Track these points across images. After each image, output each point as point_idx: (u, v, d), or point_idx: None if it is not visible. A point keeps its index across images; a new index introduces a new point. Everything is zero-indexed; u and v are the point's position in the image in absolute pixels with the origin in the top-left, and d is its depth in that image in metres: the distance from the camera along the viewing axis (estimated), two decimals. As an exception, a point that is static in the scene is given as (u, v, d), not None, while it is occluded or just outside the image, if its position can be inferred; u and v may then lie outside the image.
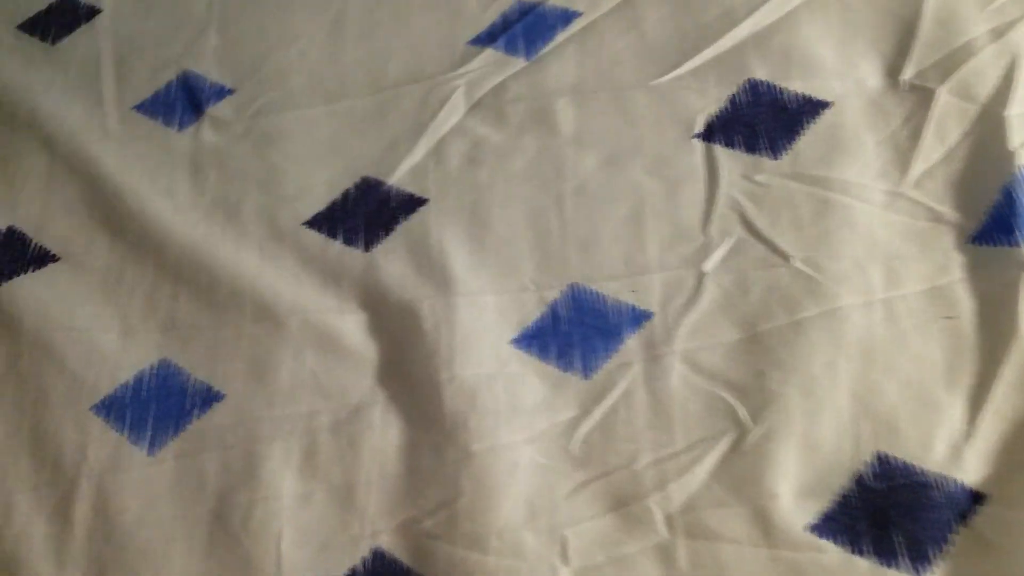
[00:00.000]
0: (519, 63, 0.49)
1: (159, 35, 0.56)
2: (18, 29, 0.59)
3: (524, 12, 0.51)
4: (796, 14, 0.46)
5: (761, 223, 0.39)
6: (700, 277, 0.38)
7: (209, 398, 0.40)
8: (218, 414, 0.39)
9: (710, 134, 0.43)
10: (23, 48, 0.57)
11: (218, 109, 0.50)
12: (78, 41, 0.57)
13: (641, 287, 0.39)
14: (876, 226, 0.38)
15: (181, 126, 0.50)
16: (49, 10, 0.59)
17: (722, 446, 0.34)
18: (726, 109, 0.44)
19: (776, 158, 0.41)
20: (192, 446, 0.38)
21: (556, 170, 0.44)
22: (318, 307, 0.42)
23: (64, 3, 0.59)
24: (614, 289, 0.39)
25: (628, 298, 0.39)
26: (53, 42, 0.57)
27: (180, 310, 0.43)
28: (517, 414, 0.36)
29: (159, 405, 0.40)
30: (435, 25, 0.52)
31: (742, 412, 0.34)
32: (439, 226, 0.43)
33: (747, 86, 0.44)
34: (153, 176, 0.48)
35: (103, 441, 0.39)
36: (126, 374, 0.41)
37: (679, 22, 0.48)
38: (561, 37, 0.49)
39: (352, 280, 0.42)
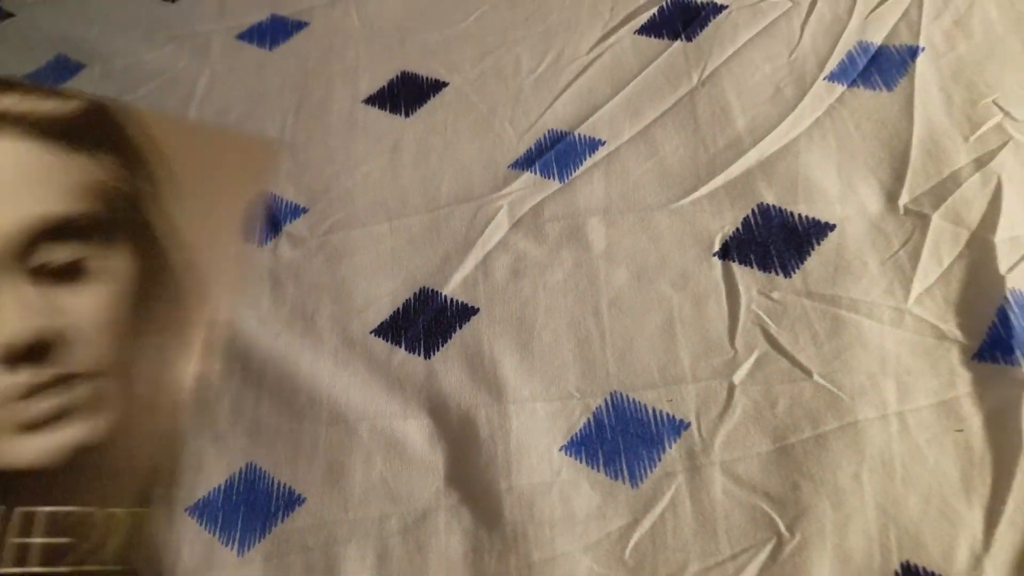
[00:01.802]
0: (554, 185, 0.47)
1: (240, 158, 0.54)
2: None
3: (555, 140, 0.49)
4: (797, 143, 0.45)
5: (783, 339, 0.37)
6: (731, 389, 0.36)
7: (292, 501, 0.37)
8: (300, 517, 0.37)
9: (726, 252, 0.41)
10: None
11: (294, 227, 0.49)
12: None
13: (677, 397, 0.37)
14: (886, 342, 0.36)
15: (261, 243, 0.49)
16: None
17: (763, 556, 0.31)
18: (739, 230, 0.42)
19: (788, 276, 0.39)
20: (278, 548, 0.36)
21: (591, 283, 0.42)
22: (385, 412, 0.39)
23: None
24: (652, 398, 0.37)
25: (666, 407, 0.36)
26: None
27: (264, 416, 0.40)
28: (573, 523, 0.33)
29: (247, 508, 0.37)
30: (479, 151, 0.50)
31: (780, 523, 0.32)
32: (490, 335, 0.41)
33: (758, 209, 0.42)
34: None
35: (196, 542, 0.37)
36: (218, 478, 0.39)
37: (692, 150, 0.46)
38: (589, 163, 0.48)
39: (415, 387, 0.40)
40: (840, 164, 0.43)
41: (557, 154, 0.48)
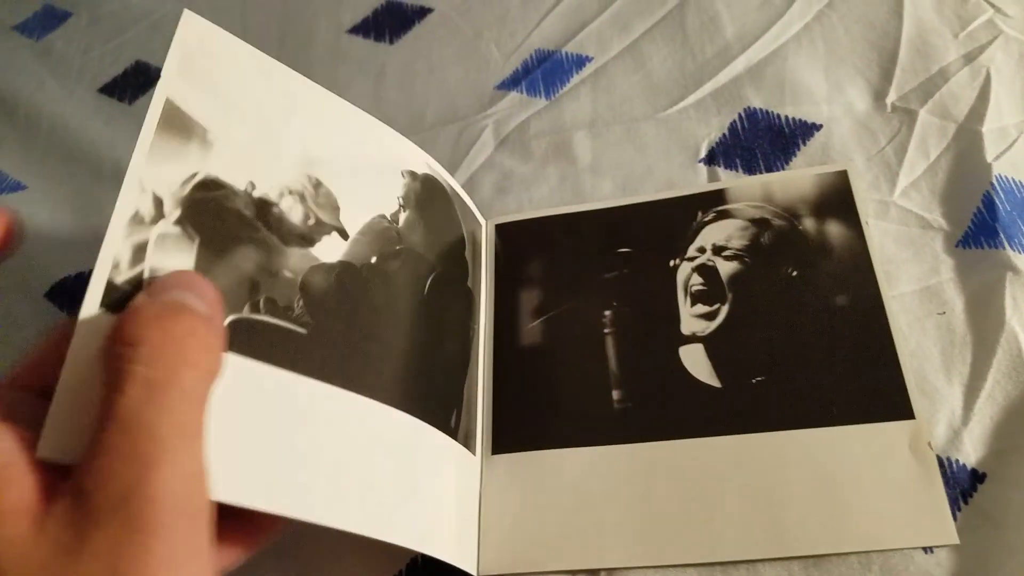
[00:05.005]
0: (540, 103, 0.49)
1: (223, 92, 0.56)
2: (99, 92, 0.59)
3: (542, 59, 0.51)
4: (786, 48, 0.46)
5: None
6: (714, 286, 0.38)
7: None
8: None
9: (712, 159, 0.43)
10: (104, 109, 0.58)
11: (278, 155, 0.50)
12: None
13: (661, 297, 0.38)
14: (871, 234, 0.37)
15: (246, 171, 0.51)
16: (126, 74, 0.60)
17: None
18: (725, 136, 0.43)
19: (775, 178, 0.41)
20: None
21: (576, 195, 0.44)
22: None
23: (139, 67, 0.60)
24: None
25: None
26: (130, 102, 0.58)
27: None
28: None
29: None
30: (465, 74, 0.52)
31: (760, 406, 0.34)
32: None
33: (744, 114, 0.44)
34: (224, 216, 0.48)
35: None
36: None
37: (680, 60, 0.48)
38: (576, 79, 0.49)
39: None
40: (828, 66, 0.44)
41: (544, 72, 0.50)
